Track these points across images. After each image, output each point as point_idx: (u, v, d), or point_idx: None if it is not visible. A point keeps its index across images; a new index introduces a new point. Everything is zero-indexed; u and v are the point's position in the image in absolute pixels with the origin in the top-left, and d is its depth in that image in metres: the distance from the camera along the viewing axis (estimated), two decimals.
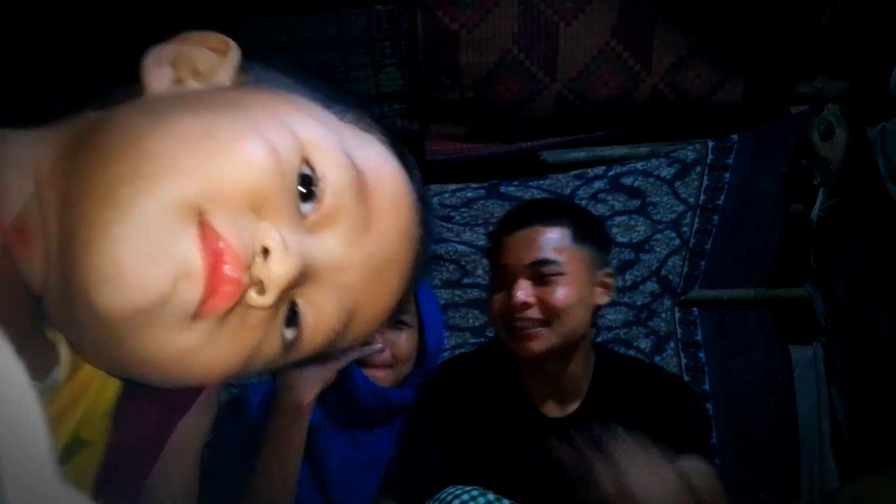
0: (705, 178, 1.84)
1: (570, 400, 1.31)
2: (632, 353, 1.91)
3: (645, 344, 1.96)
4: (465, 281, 1.92)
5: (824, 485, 1.83)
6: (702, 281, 1.95)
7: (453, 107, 1.80)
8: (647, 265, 1.91)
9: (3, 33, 1.51)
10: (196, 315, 0.40)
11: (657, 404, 1.23)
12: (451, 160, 1.86)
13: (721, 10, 1.69)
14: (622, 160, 1.85)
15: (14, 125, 0.45)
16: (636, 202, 1.86)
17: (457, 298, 1.93)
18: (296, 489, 1.24)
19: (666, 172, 1.83)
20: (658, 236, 1.89)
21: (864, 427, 1.76)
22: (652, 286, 1.93)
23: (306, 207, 0.43)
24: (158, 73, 0.46)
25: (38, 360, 0.45)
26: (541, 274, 1.24)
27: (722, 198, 1.86)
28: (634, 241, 1.87)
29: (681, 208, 1.87)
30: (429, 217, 0.52)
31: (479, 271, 1.91)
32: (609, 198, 1.85)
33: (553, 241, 1.26)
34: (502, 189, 1.85)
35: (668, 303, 1.96)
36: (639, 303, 1.93)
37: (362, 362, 1.35)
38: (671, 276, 1.94)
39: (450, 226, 1.86)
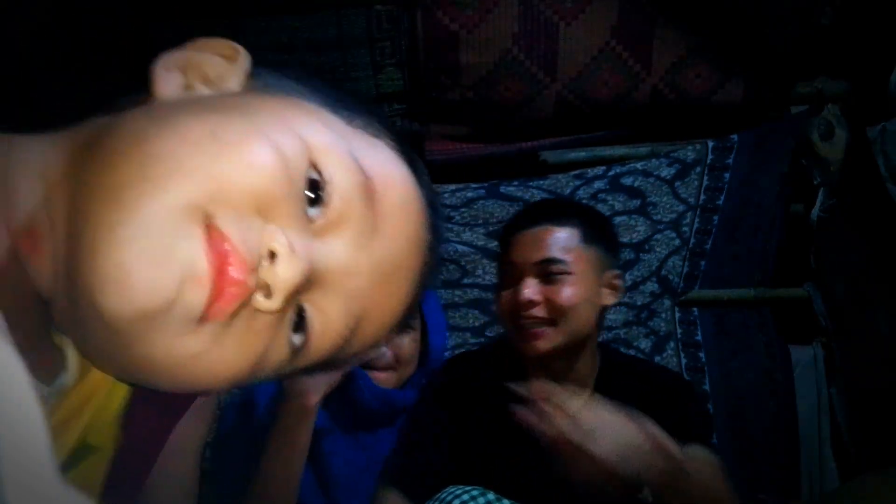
0: (705, 178, 1.84)
1: None
2: (632, 353, 1.91)
3: (645, 344, 1.96)
4: (465, 281, 1.92)
5: (824, 485, 1.83)
6: (702, 281, 1.95)
7: (453, 107, 1.80)
8: (647, 265, 1.91)
9: (3, 33, 1.52)
10: (202, 318, 0.40)
11: (661, 404, 1.23)
12: (451, 160, 1.86)
13: (721, 10, 1.69)
14: (622, 160, 1.85)
15: (24, 131, 0.45)
16: (636, 202, 1.86)
17: (457, 298, 1.93)
18: (298, 490, 1.25)
19: (666, 172, 1.84)
20: (658, 236, 1.89)
21: (864, 427, 1.76)
22: (652, 286, 1.94)
23: (313, 212, 0.43)
24: (168, 79, 0.46)
25: (45, 365, 0.45)
26: (548, 272, 1.25)
27: (722, 198, 1.86)
28: (634, 241, 1.87)
29: (681, 208, 1.87)
30: (438, 222, 0.51)
31: (479, 271, 1.91)
32: (609, 198, 1.85)
33: (562, 240, 1.27)
34: (502, 189, 1.85)
35: (668, 303, 1.96)
36: (639, 303, 1.93)
37: (366, 364, 1.35)
38: (671, 276, 1.94)
39: (450, 226, 1.86)
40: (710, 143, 1.82)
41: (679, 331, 1.96)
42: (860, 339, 1.79)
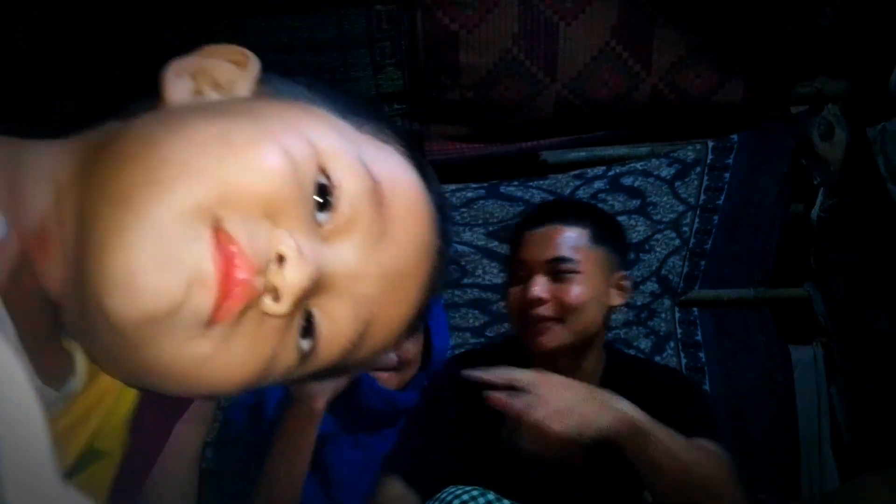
0: (705, 178, 1.84)
1: None
2: (632, 353, 1.91)
3: (645, 344, 1.96)
4: (465, 281, 1.92)
5: (824, 485, 1.83)
6: (702, 281, 1.95)
7: (453, 107, 1.80)
8: (647, 265, 1.91)
9: (3, 33, 1.52)
10: (210, 321, 0.39)
11: (665, 403, 1.23)
12: (451, 160, 1.86)
13: (721, 10, 1.69)
14: (622, 160, 1.85)
15: (37, 137, 0.45)
16: (636, 202, 1.86)
17: (457, 298, 1.93)
18: (302, 491, 1.25)
19: (666, 172, 1.84)
20: (658, 236, 1.89)
21: (864, 427, 1.76)
22: (652, 286, 1.94)
23: (322, 217, 0.43)
24: (178, 84, 0.46)
25: (54, 369, 0.45)
26: (557, 271, 1.27)
27: (722, 198, 1.86)
28: (634, 241, 1.87)
29: (681, 208, 1.87)
30: (447, 227, 0.51)
31: (479, 271, 1.91)
32: (609, 198, 1.85)
33: (571, 239, 1.28)
34: (502, 189, 1.85)
35: (668, 303, 1.96)
36: (639, 303, 1.93)
37: None
38: (671, 276, 1.94)
39: None
40: (710, 143, 1.82)
41: (679, 331, 1.96)
42: (860, 339, 1.79)
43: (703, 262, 1.93)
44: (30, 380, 0.30)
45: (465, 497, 1.12)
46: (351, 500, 1.36)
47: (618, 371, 1.33)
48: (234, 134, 0.41)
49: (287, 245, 0.41)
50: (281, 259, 0.41)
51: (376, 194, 0.45)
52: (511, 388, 1.12)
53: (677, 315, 1.97)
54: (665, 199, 1.86)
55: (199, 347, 0.40)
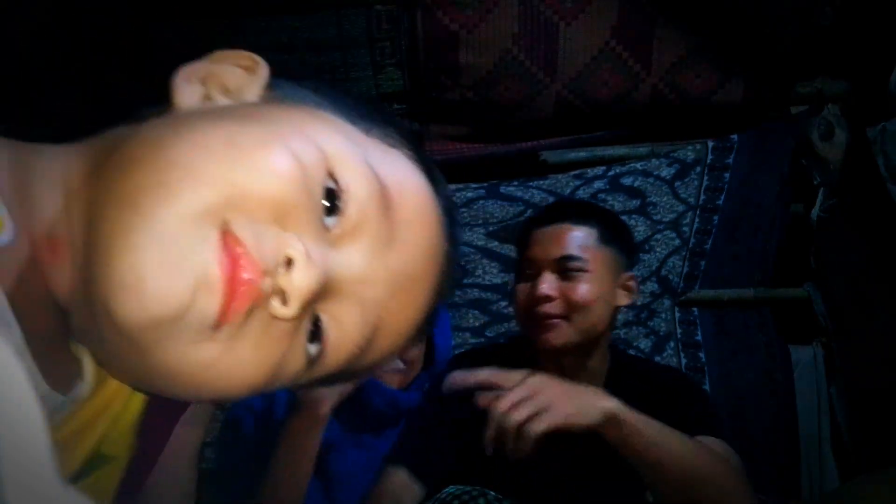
0: (705, 178, 1.84)
1: None
2: (632, 353, 1.91)
3: (645, 344, 1.96)
4: (465, 281, 1.92)
5: (824, 485, 1.83)
6: (702, 281, 1.95)
7: (453, 107, 1.80)
8: (647, 265, 1.91)
9: (3, 33, 1.52)
10: (216, 325, 0.39)
11: (668, 403, 1.24)
12: (451, 160, 1.86)
13: (721, 10, 1.69)
14: (622, 160, 1.85)
15: (36, 137, 0.45)
16: (636, 202, 1.86)
17: (457, 298, 1.93)
18: (305, 492, 1.25)
19: (666, 172, 1.84)
20: (658, 236, 1.89)
21: (864, 427, 1.76)
22: (652, 286, 1.94)
23: (330, 221, 0.43)
24: (188, 89, 0.46)
25: (62, 374, 0.45)
26: (566, 269, 1.27)
27: (722, 198, 1.86)
28: (634, 240, 1.87)
29: (681, 208, 1.87)
30: (455, 232, 0.51)
31: (479, 271, 1.91)
32: (609, 198, 1.85)
33: (580, 239, 1.29)
34: (502, 189, 1.85)
35: (668, 303, 1.96)
36: (639, 303, 1.93)
37: None
38: (671, 276, 1.94)
39: None
40: (710, 143, 1.82)
41: (679, 331, 1.96)
42: (860, 339, 1.79)
43: (703, 262, 1.93)
44: (30, 380, 0.30)
45: (465, 497, 1.12)
46: (351, 500, 1.36)
47: (622, 371, 1.34)
48: (242, 137, 0.41)
49: (295, 248, 0.41)
50: (289, 262, 0.40)
51: (384, 198, 0.45)
52: (491, 388, 1.12)
53: (677, 315, 1.97)
54: (665, 199, 1.86)
55: (207, 351, 0.40)
